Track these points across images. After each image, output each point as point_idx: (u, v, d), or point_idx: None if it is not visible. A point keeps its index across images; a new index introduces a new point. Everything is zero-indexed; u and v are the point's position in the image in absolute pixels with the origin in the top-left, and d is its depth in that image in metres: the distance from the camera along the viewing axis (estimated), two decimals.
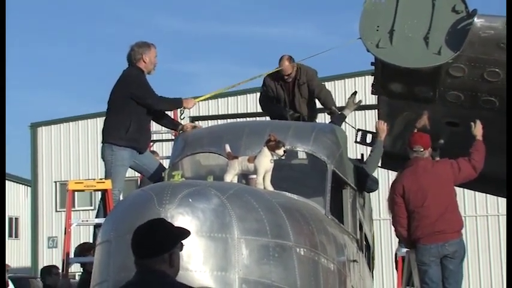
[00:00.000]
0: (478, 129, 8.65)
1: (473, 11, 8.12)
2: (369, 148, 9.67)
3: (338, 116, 9.73)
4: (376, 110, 9.95)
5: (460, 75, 8.50)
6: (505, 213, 27.08)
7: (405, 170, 8.60)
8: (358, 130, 10.29)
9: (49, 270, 11.45)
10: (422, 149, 8.50)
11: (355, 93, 9.86)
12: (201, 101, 9.44)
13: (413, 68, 8.37)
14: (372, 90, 9.44)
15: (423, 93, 8.90)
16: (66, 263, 8.14)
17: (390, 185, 8.74)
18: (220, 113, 28.14)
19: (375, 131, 9.50)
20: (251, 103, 29.24)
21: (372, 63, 8.89)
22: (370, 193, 9.79)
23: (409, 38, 8.31)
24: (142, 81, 8.74)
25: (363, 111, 23.33)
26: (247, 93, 29.77)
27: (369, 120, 23.77)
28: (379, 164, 9.66)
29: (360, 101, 9.72)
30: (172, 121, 9.31)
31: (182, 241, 4.59)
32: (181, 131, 8.83)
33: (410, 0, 8.35)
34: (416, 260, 8.39)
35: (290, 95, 10.14)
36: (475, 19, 8.08)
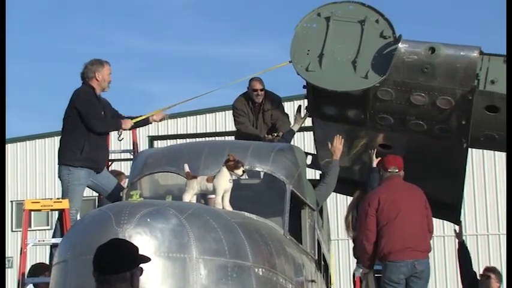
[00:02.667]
0: None
1: (399, 36, 8.35)
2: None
3: (288, 132, 9.83)
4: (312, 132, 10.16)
5: (388, 99, 8.74)
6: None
7: (380, 186, 8.69)
8: (307, 154, 10.40)
9: None
10: (397, 170, 8.63)
11: (300, 107, 9.96)
12: (138, 121, 9.49)
13: (341, 91, 8.56)
14: (306, 113, 9.67)
15: (354, 116, 9.10)
16: (22, 283, 8.03)
17: (364, 198, 8.80)
18: (179, 133, 28.06)
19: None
20: (210, 123, 29.17)
21: (304, 86, 9.11)
22: (328, 214, 9.83)
23: (338, 62, 8.55)
24: (89, 100, 8.71)
25: (298, 132, 23.24)
26: (206, 113, 29.72)
27: (305, 141, 23.81)
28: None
29: (307, 114, 9.80)
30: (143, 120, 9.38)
31: (142, 265, 4.57)
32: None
33: (340, 25, 8.59)
34: (384, 278, 8.34)
35: (255, 119, 10.20)
36: (400, 44, 8.32)
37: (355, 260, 9.61)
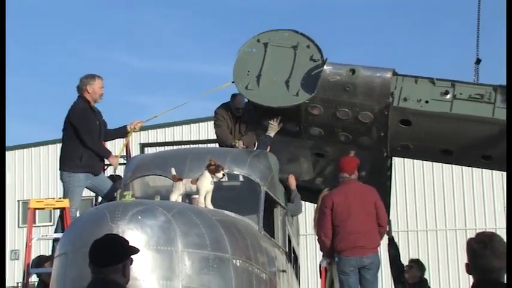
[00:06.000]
0: None
1: (325, 59, 8.55)
2: None
3: (265, 137, 9.68)
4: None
5: (318, 114, 8.95)
6: (405, 230, 27.52)
7: (336, 188, 8.72)
8: None
9: None
10: (347, 175, 8.64)
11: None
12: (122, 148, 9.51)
13: (275, 107, 8.79)
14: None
15: (291, 129, 9.26)
16: (27, 273, 8.01)
17: (321, 199, 8.86)
18: (167, 140, 27.99)
19: None
20: (194, 132, 29.25)
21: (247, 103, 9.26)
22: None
23: (274, 81, 8.79)
24: (82, 115, 8.61)
25: None
26: (191, 123, 29.81)
27: None
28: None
29: (282, 121, 9.73)
30: (119, 131, 9.22)
31: (132, 256, 4.60)
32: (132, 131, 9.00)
33: (276, 50, 8.86)
34: (338, 270, 8.46)
35: (233, 126, 10.15)
36: (325, 66, 8.50)
37: (322, 254, 9.65)
